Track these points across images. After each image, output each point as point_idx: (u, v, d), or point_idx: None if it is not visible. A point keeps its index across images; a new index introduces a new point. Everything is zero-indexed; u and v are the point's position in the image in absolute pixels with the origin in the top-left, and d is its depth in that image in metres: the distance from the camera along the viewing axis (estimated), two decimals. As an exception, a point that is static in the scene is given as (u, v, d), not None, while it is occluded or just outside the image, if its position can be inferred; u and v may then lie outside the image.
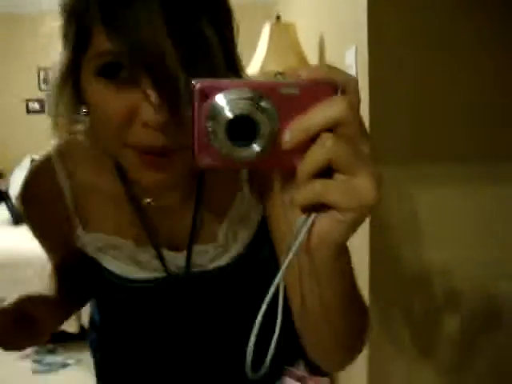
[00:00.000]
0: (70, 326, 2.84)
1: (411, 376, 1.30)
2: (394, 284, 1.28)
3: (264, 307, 0.42)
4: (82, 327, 2.88)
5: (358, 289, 0.53)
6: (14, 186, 3.69)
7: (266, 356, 0.44)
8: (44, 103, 4.42)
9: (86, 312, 2.82)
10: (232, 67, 0.59)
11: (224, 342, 0.78)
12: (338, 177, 0.37)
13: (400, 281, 1.28)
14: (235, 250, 0.71)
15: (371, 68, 1.22)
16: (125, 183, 0.69)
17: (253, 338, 0.42)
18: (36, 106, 4.59)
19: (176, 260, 0.71)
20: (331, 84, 0.37)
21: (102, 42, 0.50)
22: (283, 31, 1.92)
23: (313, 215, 0.39)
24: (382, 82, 1.21)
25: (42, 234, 0.78)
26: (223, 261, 0.71)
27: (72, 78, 0.56)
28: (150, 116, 0.49)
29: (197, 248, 0.70)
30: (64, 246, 0.75)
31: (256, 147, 0.36)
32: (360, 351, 0.61)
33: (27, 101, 4.58)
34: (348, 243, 0.43)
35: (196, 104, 0.37)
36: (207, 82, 0.37)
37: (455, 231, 1.25)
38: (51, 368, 2.69)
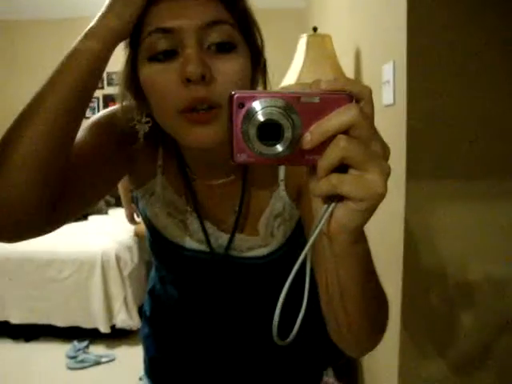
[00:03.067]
0: (102, 325, 2.93)
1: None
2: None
3: (291, 277, 0.48)
4: (113, 327, 2.98)
5: (377, 277, 0.59)
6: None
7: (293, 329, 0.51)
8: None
9: (117, 313, 2.92)
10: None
11: (258, 324, 0.84)
12: (351, 172, 0.43)
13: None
14: (272, 245, 0.79)
15: (409, 83, 1.24)
16: (180, 163, 0.78)
17: (280, 303, 0.48)
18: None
19: (220, 239, 0.79)
20: (347, 94, 0.44)
21: (163, 20, 0.62)
22: (320, 43, 1.94)
23: (332, 205, 0.46)
24: (420, 98, 1.23)
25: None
26: (261, 252, 0.79)
27: (132, 76, 0.68)
28: (192, 69, 0.60)
29: (239, 237, 0.78)
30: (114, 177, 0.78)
31: (279, 147, 0.43)
32: (379, 338, 0.66)
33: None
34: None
35: (234, 110, 0.44)
36: (243, 92, 0.44)
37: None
38: (85, 365, 2.78)
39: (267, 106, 0.43)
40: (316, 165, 0.44)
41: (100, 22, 0.61)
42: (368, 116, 0.43)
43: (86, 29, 0.61)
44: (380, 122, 1.69)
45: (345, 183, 0.43)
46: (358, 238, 0.48)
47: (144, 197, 0.81)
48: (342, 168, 0.43)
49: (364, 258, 0.52)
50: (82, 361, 2.79)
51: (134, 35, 0.65)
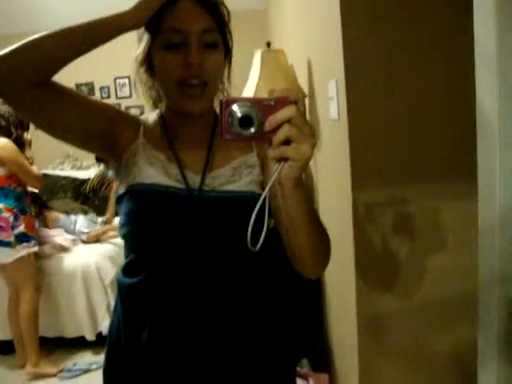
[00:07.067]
0: (88, 333, 3.04)
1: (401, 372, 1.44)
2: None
3: (259, 203, 0.76)
4: (99, 335, 3.08)
5: (317, 216, 0.94)
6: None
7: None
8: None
9: (102, 320, 2.99)
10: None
11: (228, 255, 1.01)
12: (292, 144, 0.73)
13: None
14: (239, 184, 1.01)
15: (349, 101, 1.35)
16: (166, 130, 1.06)
17: (253, 219, 0.76)
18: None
19: (195, 179, 1.01)
20: (290, 98, 0.73)
21: (176, 23, 0.95)
22: (273, 58, 2.07)
23: (281, 164, 0.75)
24: (361, 114, 1.34)
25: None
26: (231, 187, 1.00)
27: (146, 60, 1.02)
28: (194, 58, 0.93)
29: (210, 174, 1.01)
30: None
31: (252, 129, 0.73)
32: (325, 262, 0.98)
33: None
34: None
35: (224, 108, 0.73)
36: (229, 97, 0.75)
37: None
38: (76, 373, 2.88)
39: (243, 107, 0.73)
40: (272, 141, 0.73)
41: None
42: (301, 111, 0.74)
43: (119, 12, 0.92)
44: (329, 135, 1.82)
45: (288, 151, 0.72)
46: (299, 183, 0.79)
47: (128, 162, 1.01)
48: (286, 142, 0.72)
49: (305, 198, 0.84)
50: (71, 370, 2.89)
51: (153, 31, 0.97)
